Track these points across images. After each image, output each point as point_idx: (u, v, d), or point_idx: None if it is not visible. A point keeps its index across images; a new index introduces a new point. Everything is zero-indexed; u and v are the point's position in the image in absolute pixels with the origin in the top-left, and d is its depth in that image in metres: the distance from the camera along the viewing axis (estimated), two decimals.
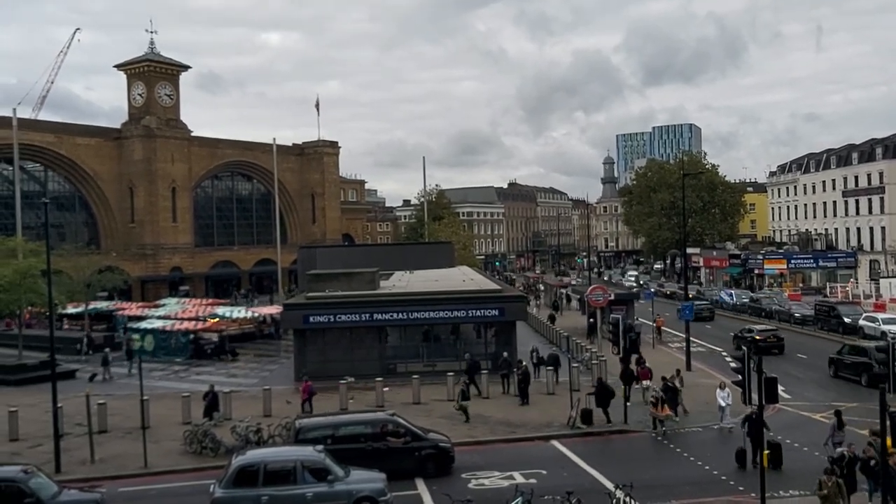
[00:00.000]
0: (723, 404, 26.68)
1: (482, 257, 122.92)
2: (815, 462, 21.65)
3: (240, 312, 54.46)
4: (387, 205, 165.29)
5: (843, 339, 45.61)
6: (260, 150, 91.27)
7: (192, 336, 46.16)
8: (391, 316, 37.42)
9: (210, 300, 65.80)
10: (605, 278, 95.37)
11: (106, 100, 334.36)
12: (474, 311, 37.77)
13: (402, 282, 46.68)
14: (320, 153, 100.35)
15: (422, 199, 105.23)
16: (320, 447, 20.10)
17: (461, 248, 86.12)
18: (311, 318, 37.23)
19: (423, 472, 22.40)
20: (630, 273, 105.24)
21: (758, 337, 42.95)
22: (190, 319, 49.90)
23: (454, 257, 66.93)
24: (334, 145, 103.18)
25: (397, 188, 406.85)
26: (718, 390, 27.13)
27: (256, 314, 54.53)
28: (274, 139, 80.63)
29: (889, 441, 20.04)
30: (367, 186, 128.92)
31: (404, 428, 23.05)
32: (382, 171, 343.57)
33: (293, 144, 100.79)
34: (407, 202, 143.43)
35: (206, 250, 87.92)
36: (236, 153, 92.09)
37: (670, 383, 28.74)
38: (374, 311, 37.29)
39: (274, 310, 54.12)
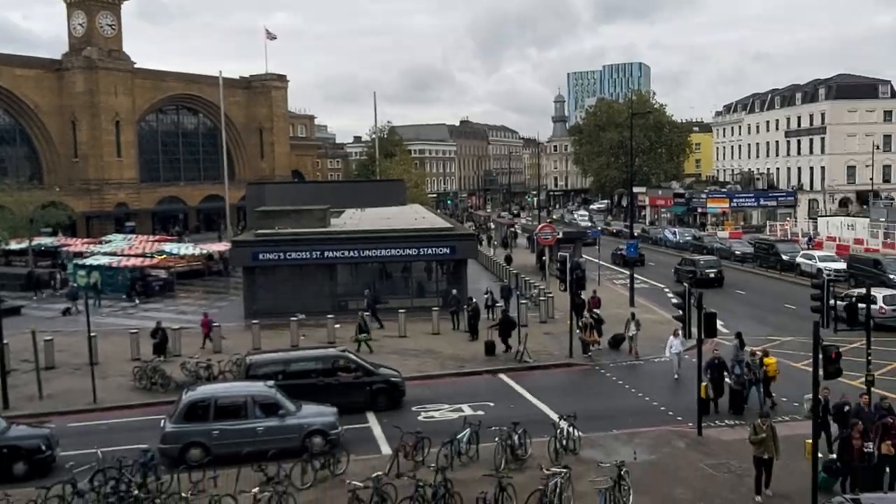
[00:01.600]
0: (672, 352, 25.66)
1: (434, 196, 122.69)
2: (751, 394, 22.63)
3: (187, 249, 53.87)
4: (337, 141, 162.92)
5: (781, 275, 47.94)
6: (205, 83, 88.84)
7: (139, 272, 45.66)
8: (342, 254, 37.47)
9: (157, 236, 64.85)
10: (555, 217, 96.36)
11: (45, 30, 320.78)
12: (425, 250, 38.06)
13: (354, 219, 46.62)
14: (268, 87, 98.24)
15: (373, 136, 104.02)
16: (271, 383, 20.37)
17: (413, 186, 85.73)
18: (260, 256, 37.12)
19: (374, 405, 22.90)
20: (581, 212, 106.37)
21: (623, 252, 49.59)
22: (137, 256, 49.24)
23: (406, 195, 66.85)
24: (282, 79, 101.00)
25: (348, 124, 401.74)
26: (672, 338, 25.74)
27: (204, 251, 54.00)
28: (220, 72, 78.35)
29: (771, 361, 22.48)
30: (317, 122, 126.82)
31: (355, 363, 23.42)
32: (333, 106, 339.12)
33: (240, 77, 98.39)
34: (358, 139, 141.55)
35: (152, 186, 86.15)
36: (181, 86, 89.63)
37: (594, 315, 30.05)
38: (325, 248, 37.27)
39: (222, 247, 53.69)
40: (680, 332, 23.51)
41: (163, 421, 19.13)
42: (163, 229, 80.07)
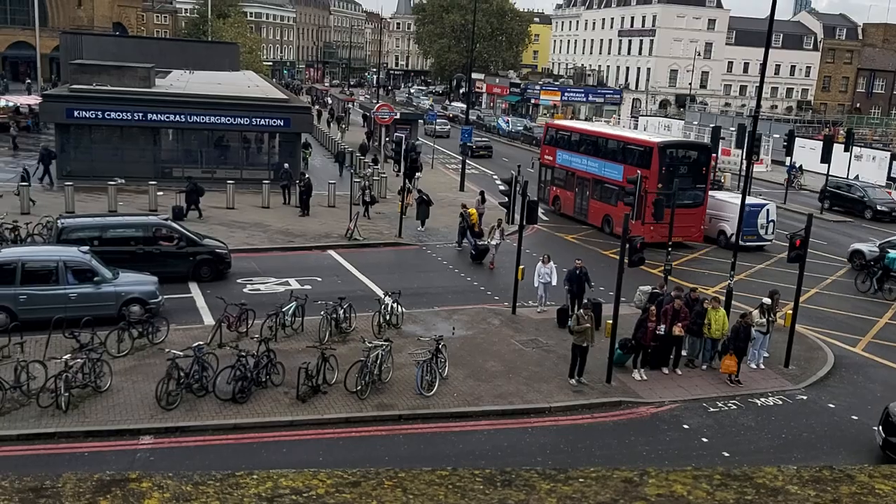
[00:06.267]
0: (540, 281, 21.37)
1: (270, 64, 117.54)
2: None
3: None
4: None
5: None
6: None
7: None
8: (167, 117, 35.46)
9: None
10: (399, 99, 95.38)
11: None
12: (258, 120, 36.75)
13: (181, 82, 44.03)
14: None
15: None
16: (86, 248, 19.41)
17: (247, 51, 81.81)
18: (75, 113, 34.38)
19: (197, 276, 22.50)
20: (438, 101, 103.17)
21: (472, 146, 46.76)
22: None
23: (238, 61, 63.80)
24: None
25: None
26: (541, 265, 21.52)
27: (11, 103, 49.25)
28: None
29: (473, 210, 23.23)
30: None
31: (178, 233, 22.73)
32: None
33: None
34: None
35: None
36: None
37: (425, 196, 31.08)
38: (149, 110, 35.04)
39: (32, 100, 49.24)
40: (551, 261, 21.60)
41: None
42: None
